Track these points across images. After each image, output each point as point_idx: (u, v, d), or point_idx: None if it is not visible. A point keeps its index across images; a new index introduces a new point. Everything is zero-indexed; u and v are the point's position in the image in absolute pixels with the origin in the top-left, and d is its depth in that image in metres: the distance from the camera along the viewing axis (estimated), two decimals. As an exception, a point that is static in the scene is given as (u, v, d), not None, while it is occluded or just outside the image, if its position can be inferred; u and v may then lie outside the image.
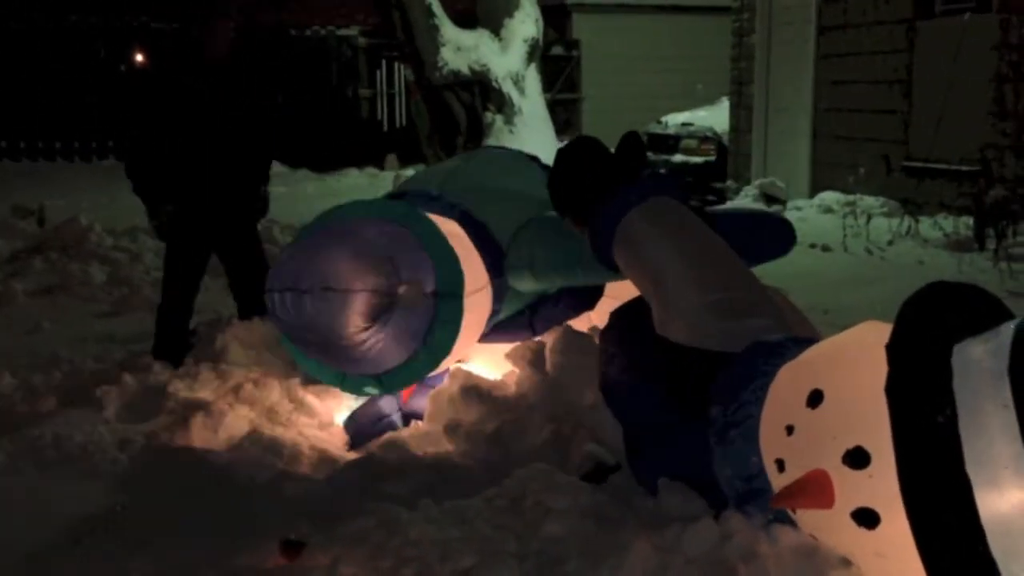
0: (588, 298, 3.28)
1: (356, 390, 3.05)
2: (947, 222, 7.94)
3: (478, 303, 3.04)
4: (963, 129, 8.89)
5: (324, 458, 3.02)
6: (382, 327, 2.76)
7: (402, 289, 2.79)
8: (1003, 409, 1.64)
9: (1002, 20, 8.58)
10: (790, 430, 1.99)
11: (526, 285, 3.16)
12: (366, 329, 2.75)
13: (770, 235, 3.09)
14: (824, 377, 1.98)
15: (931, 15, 9.54)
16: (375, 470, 2.83)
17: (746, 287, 2.48)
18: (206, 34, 3.98)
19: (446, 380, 3.17)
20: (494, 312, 3.16)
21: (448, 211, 3.11)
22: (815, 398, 1.95)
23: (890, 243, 7.57)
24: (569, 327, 3.11)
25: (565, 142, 3.09)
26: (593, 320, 3.33)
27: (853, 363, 1.97)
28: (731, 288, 2.44)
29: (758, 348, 2.23)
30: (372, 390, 2.99)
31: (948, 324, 1.80)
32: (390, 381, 2.92)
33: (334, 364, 2.92)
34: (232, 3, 4.20)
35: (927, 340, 1.78)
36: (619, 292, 3.29)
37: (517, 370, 3.04)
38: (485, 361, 3.24)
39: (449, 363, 3.12)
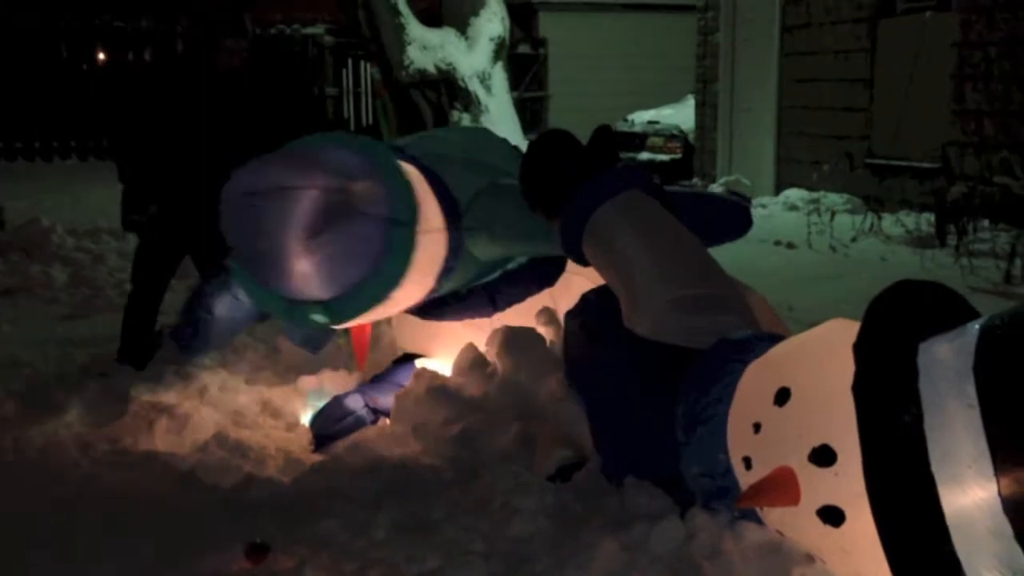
0: (549, 273, 3.27)
1: (303, 319, 2.95)
2: (909, 219, 8.03)
3: (431, 244, 3.01)
4: (925, 127, 9.00)
5: (290, 460, 3.00)
6: (334, 236, 2.74)
7: (357, 186, 2.78)
8: (967, 408, 1.65)
9: (962, 19, 8.68)
10: (757, 428, 2.00)
11: (484, 250, 3.13)
12: (317, 236, 2.72)
13: (727, 217, 3.08)
14: (791, 375, 1.99)
15: (892, 13, 9.64)
16: (341, 472, 2.81)
17: (716, 283, 2.47)
18: (218, 52, 3.88)
19: (411, 380, 3.16)
20: (449, 269, 3.11)
21: (409, 161, 3.12)
22: (782, 396, 1.96)
23: (854, 240, 7.64)
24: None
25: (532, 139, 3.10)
26: (555, 298, 3.30)
27: (820, 361, 1.98)
28: (700, 284, 2.44)
29: (725, 345, 2.23)
30: (319, 318, 2.90)
31: (914, 323, 1.81)
32: (338, 308, 2.87)
33: (284, 287, 2.85)
34: (245, 17, 4.05)
35: (893, 339, 1.80)
36: (581, 268, 3.31)
37: (482, 369, 3.03)
38: (448, 360, 3.23)
39: (399, 307, 3.07)
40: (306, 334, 3.32)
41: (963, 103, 8.76)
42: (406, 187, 2.95)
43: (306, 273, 2.78)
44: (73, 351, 4.29)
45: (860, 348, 1.81)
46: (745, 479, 2.04)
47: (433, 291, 3.16)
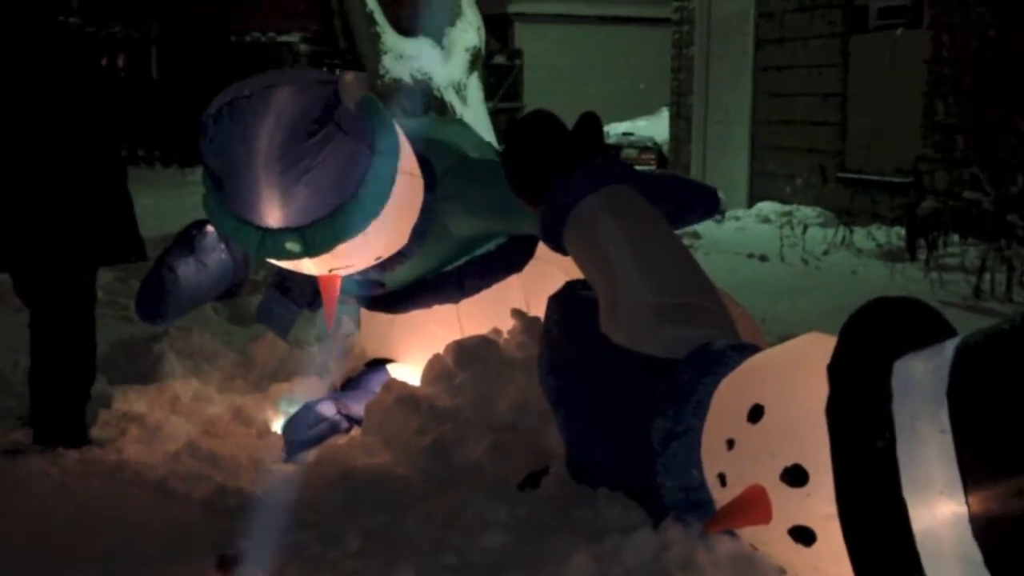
0: (517, 259, 3.28)
1: (276, 250, 2.88)
2: (880, 232, 8.11)
3: (409, 188, 3.02)
4: (896, 142, 9.10)
5: (262, 470, 2.99)
6: (314, 152, 2.71)
7: (347, 76, 2.76)
8: (940, 434, 1.65)
9: (933, 35, 8.80)
10: (731, 444, 1.99)
11: (457, 221, 3.14)
12: (300, 144, 2.70)
13: (694, 198, 3.06)
14: (765, 392, 1.98)
15: (865, 30, 9.76)
16: (313, 482, 2.80)
17: (700, 293, 2.40)
18: None
19: (380, 391, 3.15)
20: (421, 232, 3.12)
21: None
22: (756, 413, 1.94)
23: (825, 253, 7.71)
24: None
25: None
26: (525, 285, 3.31)
27: (794, 379, 1.97)
28: (684, 292, 2.36)
29: (701, 356, 2.20)
30: (293, 247, 2.83)
31: (889, 343, 1.80)
32: (312, 237, 2.81)
33: (258, 209, 2.78)
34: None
35: (868, 361, 1.78)
36: (551, 255, 3.31)
37: (450, 380, 3.02)
38: (419, 365, 3.22)
39: (372, 253, 3.03)
40: (275, 313, 3.27)
41: (934, 118, 8.87)
42: (390, 123, 2.95)
43: (283, 189, 2.72)
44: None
45: (834, 370, 1.80)
46: (720, 495, 2.03)
47: (404, 256, 3.14)
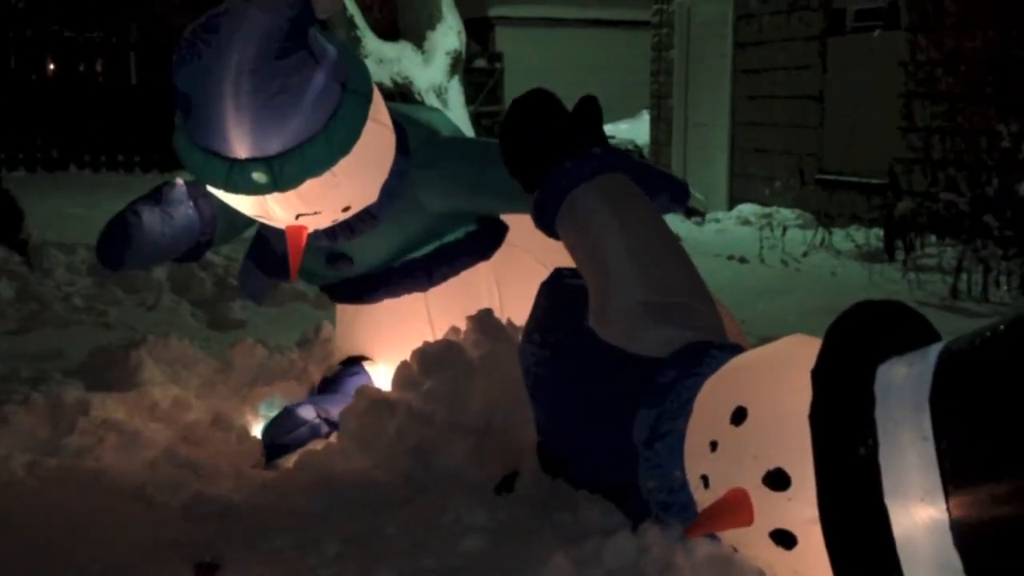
0: (486, 245, 3.27)
1: (243, 182, 2.81)
2: (859, 234, 8.18)
3: (381, 138, 3.02)
4: (873, 143, 9.17)
5: (241, 475, 2.98)
6: (286, 74, 2.69)
7: None
8: (922, 441, 1.64)
9: (909, 38, 8.87)
10: (714, 446, 1.99)
11: (430, 193, 3.14)
12: (272, 63, 2.68)
13: (667, 187, 3.04)
14: (748, 394, 1.98)
15: (842, 32, 9.83)
16: (292, 487, 2.79)
17: (692, 291, 2.36)
18: None
19: (354, 397, 3.13)
20: (393, 194, 3.11)
21: None
22: (739, 415, 1.94)
23: (805, 254, 7.76)
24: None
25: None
26: (496, 271, 3.31)
27: (778, 383, 1.96)
28: (676, 290, 2.32)
29: (685, 356, 2.19)
30: (260, 177, 2.77)
31: (872, 348, 1.79)
32: (280, 168, 2.76)
33: (226, 134, 2.72)
34: None
35: (851, 367, 1.78)
36: (521, 241, 3.31)
37: (420, 386, 3.02)
38: (393, 364, 3.21)
39: (341, 197, 2.99)
40: (249, 282, 3.26)
41: (910, 120, 8.94)
42: (364, 66, 2.97)
43: (253, 110, 2.68)
44: (19, 366, 4.22)
45: (818, 374, 1.79)
46: (703, 497, 2.03)
47: (373, 218, 3.12)
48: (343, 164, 2.88)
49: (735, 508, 1.89)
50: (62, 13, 15.66)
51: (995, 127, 7.61)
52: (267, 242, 3.33)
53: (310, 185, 2.85)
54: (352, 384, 3.28)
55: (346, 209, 3.07)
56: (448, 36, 11.61)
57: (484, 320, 3.08)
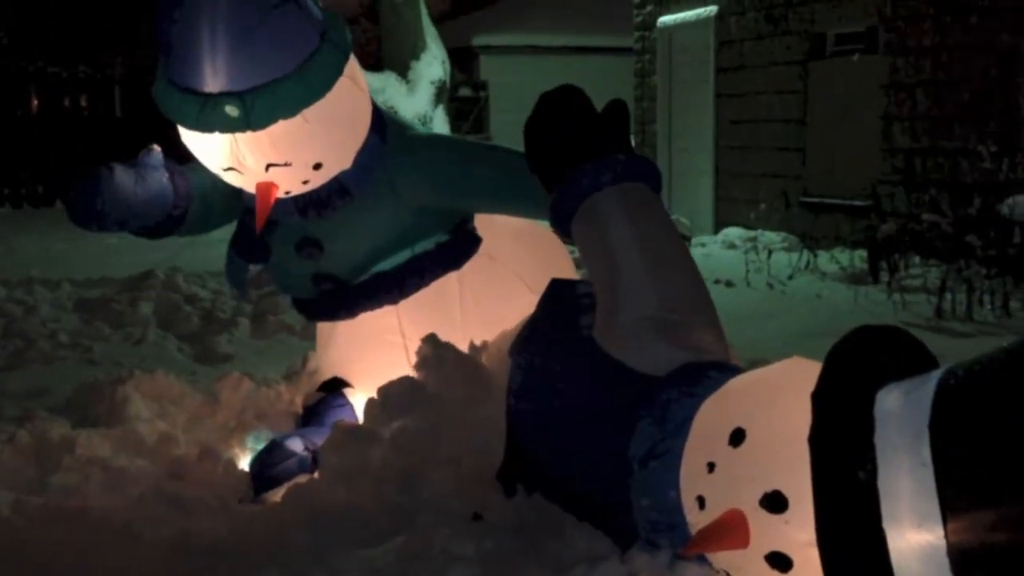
0: (457, 256, 3.27)
1: (215, 117, 2.81)
2: (843, 256, 8.22)
3: (354, 100, 3.05)
4: (856, 165, 9.24)
5: (229, 510, 2.96)
6: (269, 6, 2.75)
7: None
8: (921, 467, 1.65)
9: (889, 61, 8.95)
10: (711, 467, 1.98)
11: (406, 181, 3.15)
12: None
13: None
14: (747, 416, 1.98)
15: (823, 56, 9.91)
16: (280, 521, 2.78)
17: (702, 310, 2.35)
18: None
19: (331, 430, 3.11)
20: (365, 167, 3.12)
21: None
22: (737, 436, 1.94)
23: (790, 277, 7.79)
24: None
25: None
26: (455, 284, 3.29)
27: (777, 404, 1.97)
28: (687, 309, 2.32)
29: (684, 374, 2.19)
30: (232, 110, 2.79)
31: (873, 372, 1.80)
32: (252, 103, 2.77)
33: (202, 66, 2.74)
34: None
35: (851, 391, 1.78)
36: (503, 254, 3.34)
37: (391, 423, 3.00)
38: (374, 387, 3.20)
39: (312, 151, 2.99)
40: (230, 270, 3.29)
41: (892, 142, 9.01)
42: (343, 25, 3.01)
43: (231, 42, 2.71)
44: (4, 403, 4.20)
45: (818, 397, 1.80)
46: (697, 518, 2.02)
47: (346, 192, 3.12)
48: (316, 111, 2.90)
49: (732, 529, 1.89)
50: (47, 49, 15.69)
51: (975, 148, 7.68)
52: (245, 228, 3.30)
53: (281, 129, 2.86)
54: (337, 416, 3.27)
55: (318, 167, 3.04)
56: (432, 65, 11.68)
57: (445, 352, 3.06)
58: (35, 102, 15.57)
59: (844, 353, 1.84)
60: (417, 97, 11.40)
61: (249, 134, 2.85)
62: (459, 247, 3.29)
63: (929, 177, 8.47)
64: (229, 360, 5.23)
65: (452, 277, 3.30)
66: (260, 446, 3.26)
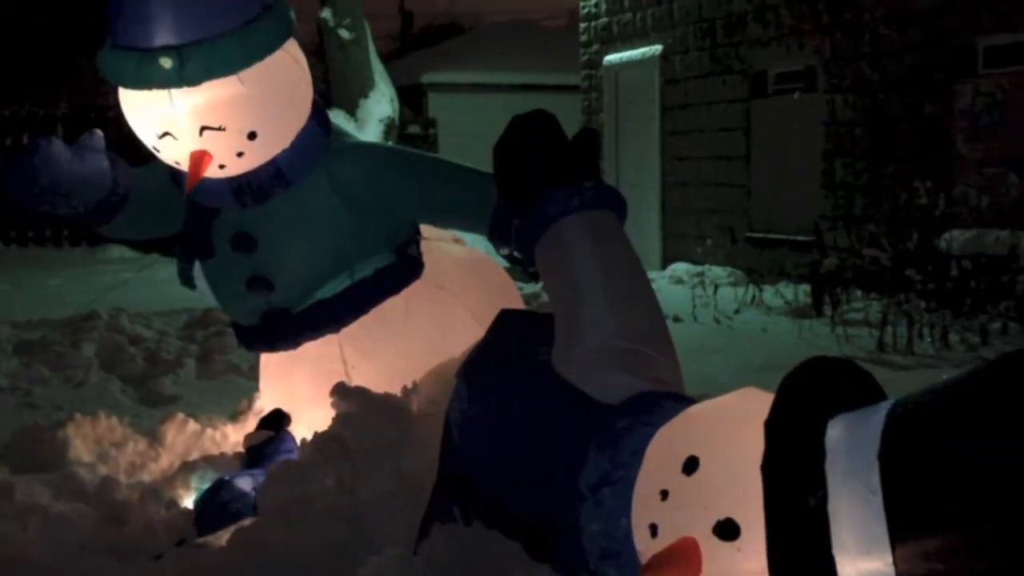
0: (398, 281, 3.27)
1: (151, 71, 2.82)
2: (788, 290, 8.34)
3: (293, 76, 3.06)
4: (798, 201, 9.41)
5: (171, 555, 2.91)
6: None
7: None
8: (871, 495, 1.67)
9: (827, 99, 9.16)
10: (664, 495, 1.98)
11: (350, 174, 3.17)
12: None
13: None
14: (701, 444, 1.99)
15: (764, 94, 10.12)
16: (225, 564, 2.74)
17: (660, 342, 2.37)
18: None
19: (271, 469, 3.09)
20: (303, 152, 3.12)
21: None
22: (690, 465, 1.95)
23: (736, 312, 7.88)
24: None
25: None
26: (398, 309, 3.28)
27: (730, 433, 1.98)
28: (645, 339, 2.34)
29: (638, 403, 2.20)
30: (167, 63, 2.80)
31: (824, 402, 1.83)
32: (188, 55, 2.79)
33: (143, 20, 2.77)
34: None
35: (803, 419, 1.81)
36: (453, 286, 3.35)
37: (328, 455, 3.00)
38: (317, 417, 3.19)
39: (253, 118, 2.98)
40: (179, 267, 3.29)
41: (832, 178, 9.20)
42: (290, 9, 3.04)
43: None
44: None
45: (771, 426, 1.83)
46: (649, 546, 2.01)
47: (282, 176, 3.11)
48: (253, 76, 2.90)
49: (684, 557, 1.89)
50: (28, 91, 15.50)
51: (912, 184, 7.87)
52: (189, 225, 3.30)
53: (217, 89, 2.87)
54: (282, 452, 3.24)
55: (252, 136, 3.01)
56: (381, 104, 11.73)
57: (358, 396, 3.06)
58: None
59: (796, 383, 1.88)
60: (366, 135, 11.43)
61: (185, 92, 2.85)
62: (400, 272, 3.27)
63: (868, 212, 8.65)
64: (174, 401, 5.15)
65: (398, 303, 3.28)
66: (205, 486, 3.21)
